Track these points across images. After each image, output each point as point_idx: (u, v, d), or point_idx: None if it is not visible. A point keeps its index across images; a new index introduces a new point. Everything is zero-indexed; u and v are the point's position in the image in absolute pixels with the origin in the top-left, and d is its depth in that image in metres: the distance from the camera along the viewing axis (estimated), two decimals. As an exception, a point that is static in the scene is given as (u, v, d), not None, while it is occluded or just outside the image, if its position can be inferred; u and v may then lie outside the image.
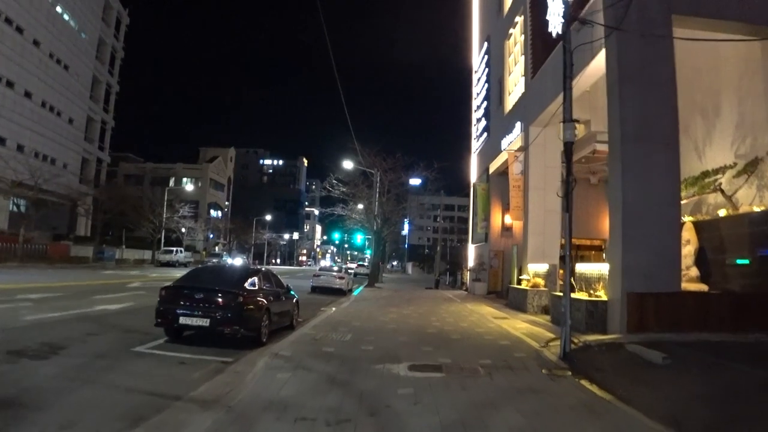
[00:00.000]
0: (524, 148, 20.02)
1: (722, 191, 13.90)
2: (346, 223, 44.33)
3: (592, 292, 12.00)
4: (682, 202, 13.02)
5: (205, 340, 9.44)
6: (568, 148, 9.55)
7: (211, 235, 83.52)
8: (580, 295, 12.51)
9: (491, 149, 26.76)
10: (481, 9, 33.24)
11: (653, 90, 11.67)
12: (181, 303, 9.38)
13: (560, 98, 16.92)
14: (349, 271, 31.33)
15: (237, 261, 71.91)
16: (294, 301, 12.98)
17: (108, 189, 54.77)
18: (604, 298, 11.50)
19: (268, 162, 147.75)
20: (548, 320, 13.96)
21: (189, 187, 72.00)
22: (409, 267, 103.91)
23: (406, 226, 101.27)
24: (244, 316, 9.40)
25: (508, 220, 26.41)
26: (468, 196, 48.78)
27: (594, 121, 19.40)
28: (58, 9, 48.57)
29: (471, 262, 31.93)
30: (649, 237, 10.94)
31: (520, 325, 12.90)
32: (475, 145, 32.41)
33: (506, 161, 23.29)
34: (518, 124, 20.83)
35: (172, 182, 75.73)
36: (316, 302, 20.22)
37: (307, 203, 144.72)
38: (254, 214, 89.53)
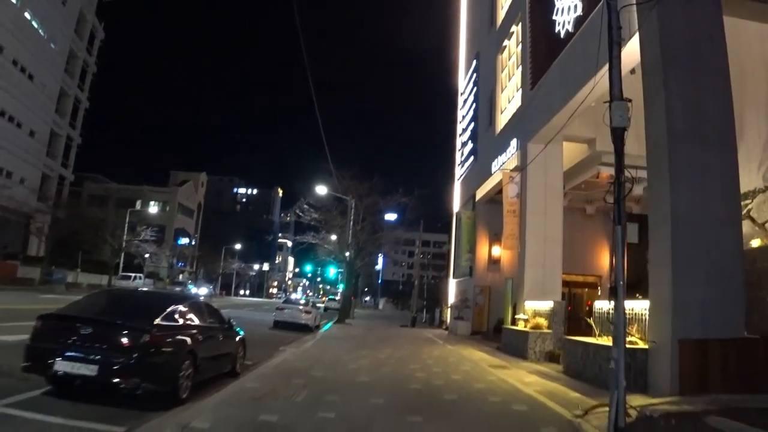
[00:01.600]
0: (521, 168, 17.54)
1: (752, 219, 11.76)
2: (318, 255, 41.43)
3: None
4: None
5: (100, 394, 6.49)
6: (618, 135, 6.99)
7: (181, 264, 79.53)
8: (603, 341, 9.81)
9: (478, 174, 24.32)
10: (469, 25, 31.30)
11: (704, 76, 9.24)
12: (62, 340, 6.48)
13: (572, 105, 14.49)
14: (318, 305, 28.22)
15: (202, 290, 68.30)
16: (238, 339, 10.05)
17: (68, 207, 51.04)
18: (642, 345, 8.81)
19: (242, 190, 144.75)
20: (560, 371, 11.17)
21: (153, 209, 68.24)
22: (382, 303, 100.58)
23: (381, 261, 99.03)
24: (150, 363, 6.51)
25: (496, 251, 23.82)
26: (446, 229, 46.29)
27: (599, 140, 17.14)
28: (27, 15, 45.46)
29: (452, 298, 29.15)
30: (708, 264, 8.35)
31: (528, 379, 10.08)
32: (459, 171, 30.03)
33: (496, 186, 20.81)
34: (514, 142, 18.40)
35: (138, 205, 71.91)
36: (276, 340, 17.23)
37: (280, 234, 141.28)
38: (226, 243, 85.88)
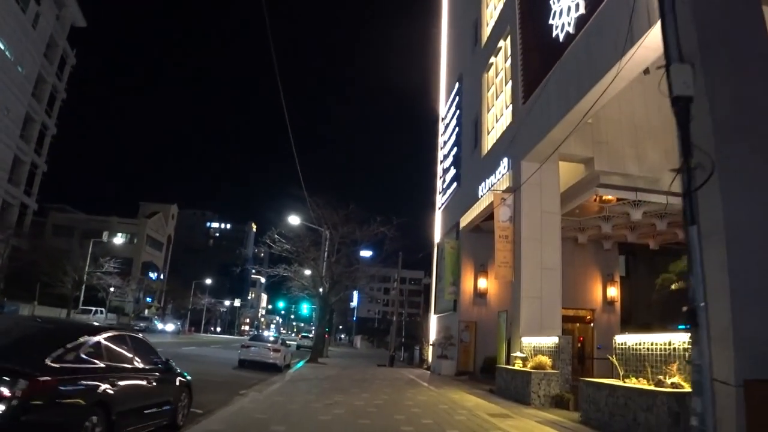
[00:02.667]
0: (514, 189, 15.90)
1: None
2: (291, 290, 39.07)
3: (662, 378, 7.48)
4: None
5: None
6: (683, 108, 5.27)
7: (149, 299, 76.05)
8: (634, 383, 8.00)
9: (462, 200, 22.68)
10: (450, 48, 30.17)
11: (747, 63, 7.67)
12: None
13: (572, 116, 13.01)
14: (288, 342, 25.92)
15: (169, 327, 65.04)
16: (179, 384, 7.99)
17: (29, 237, 48.18)
18: (687, 387, 7.02)
19: (215, 225, 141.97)
20: (575, 420, 9.24)
21: (118, 240, 65.24)
22: (358, 340, 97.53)
23: (356, 297, 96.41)
24: (31, 422, 4.50)
25: (483, 284, 22.03)
26: (423, 264, 44.32)
27: (597, 159, 15.69)
28: (-6, 36, 43.39)
29: (433, 335, 27.11)
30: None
31: (542, 433, 8.15)
32: (441, 200, 28.41)
33: (483, 212, 19.15)
34: (505, 161, 16.83)
35: (105, 236, 68.75)
36: (238, 381, 15.09)
37: (254, 271, 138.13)
38: (197, 278, 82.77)
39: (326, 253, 28.68)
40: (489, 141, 20.41)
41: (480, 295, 22.00)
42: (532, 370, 11.58)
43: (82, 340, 5.68)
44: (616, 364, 8.81)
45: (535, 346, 12.85)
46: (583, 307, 22.06)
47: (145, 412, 6.74)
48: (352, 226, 27.63)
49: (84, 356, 5.53)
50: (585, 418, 8.95)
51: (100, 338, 6.11)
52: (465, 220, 21.37)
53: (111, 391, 5.72)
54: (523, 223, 15.09)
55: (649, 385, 7.65)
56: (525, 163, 15.55)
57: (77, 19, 57.26)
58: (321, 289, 28.93)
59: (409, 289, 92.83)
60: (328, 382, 16.12)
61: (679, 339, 7.56)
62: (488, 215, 19.34)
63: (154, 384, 7.02)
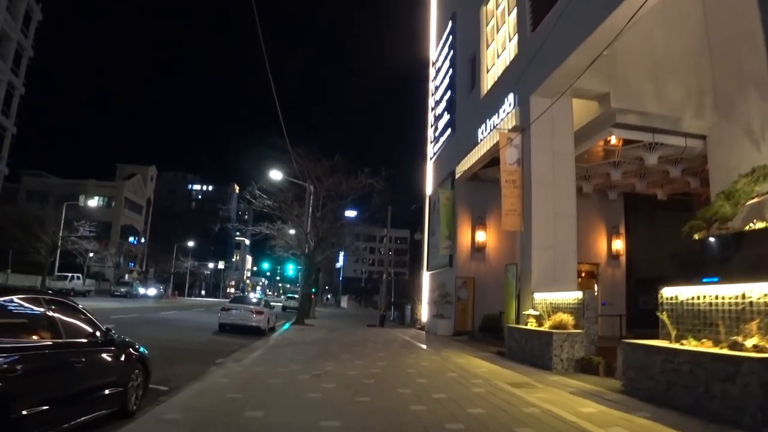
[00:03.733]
0: (521, 128, 14.14)
1: None
2: (275, 251, 37.38)
3: (738, 339, 5.92)
4: (749, 202, 7.65)
5: None
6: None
7: (131, 264, 74.02)
8: (700, 346, 6.47)
9: (458, 148, 20.89)
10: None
11: None
12: None
13: (596, 37, 11.20)
14: (272, 304, 24.31)
15: (150, 291, 63.36)
16: (130, 361, 6.32)
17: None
18: (777, 353, 5.47)
19: (197, 187, 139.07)
20: (617, 389, 7.70)
21: (94, 203, 62.67)
22: (345, 301, 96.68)
23: (342, 257, 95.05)
24: None
25: (481, 237, 20.46)
26: (413, 220, 42.58)
27: (614, 95, 13.97)
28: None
29: (426, 293, 25.67)
30: None
31: (586, 409, 6.57)
32: (432, 150, 26.58)
33: (483, 157, 17.41)
34: (510, 98, 15.00)
35: (82, 201, 66.21)
36: (216, 349, 13.55)
37: (238, 233, 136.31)
38: (180, 242, 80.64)
39: (311, 209, 26.86)
40: (489, 79, 18.53)
41: (478, 249, 20.44)
42: (553, 331, 10.01)
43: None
44: (667, 323, 7.24)
45: (552, 302, 11.29)
46: (586, 261, 20.62)
47: (79, 400, 5.08)
48: (338, 177, 25.68)
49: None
50: (630, 388, 7.41)
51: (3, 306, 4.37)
52: (461, 168, 19.61)
53: (17, 379, 4.04)
54: (534, 165, 13.40)
55: (720, 348, 6.09)
56: (534, 99, 13.77)
57: (40, -29, 53.37)
58: (306, 248, 27.22)
59: (395, 248, 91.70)
60: (316, 346, 14.57)
61: (760, 291, 5.97)
62: (489, 161, 17.64)
63: (89, 362, 5.32)
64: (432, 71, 27.69)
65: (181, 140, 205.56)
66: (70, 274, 45.63)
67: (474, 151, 17.98)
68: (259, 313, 19.29)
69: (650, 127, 14.50)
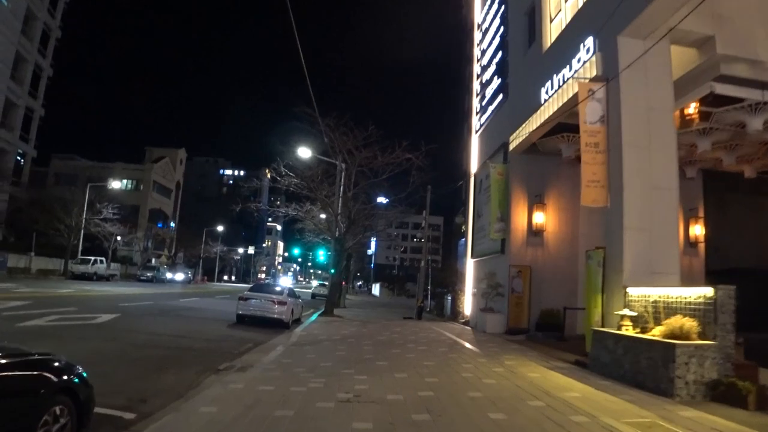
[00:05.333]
0: (606, 79, 11.18)
1: None
2: (304, 234, 34.95)
3: None
4: None
5: None
6: None
7: (160, 248, 72.87)
8: None
9: (512, 115, 17.94)
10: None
11: None
12: None
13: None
14: (297, 292, 21.82)
15: (178, 276, 61.96)
16: (44, 393, 3.74)
17: (28, 185, 44.86)
18: None
19: (228, 172, 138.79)
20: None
21: (118, 185, 61.23)
22: (376, 288, 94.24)
23: (373, 244, 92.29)
24: None
25: (539, 219, 17.55)
26: (451, 203, 39.53)
27: (720, 40, 10.96)
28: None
29: (470, 282, 22.87)
30: None
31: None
32: (478, 122, 23.59)
33: (547, 122, 14.41)
34: (589, 41, 12.00)
35: (109, 183, 65.25)
36: (225, 348, 11.17)
37: (270, 219, 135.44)
38: (210, 227, 79.40)
39: (342, 188, 24.18)
40: (554, 30, 15.52)
41: (535, 233, 17.46)
42: (675, 342, 7.13)
43: None
44: None
45: (661, 300, 8.37)
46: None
47: None
48: (372, 150, 22.76)
49: None
50: None
51: None
52: (518, 138, 16.67)
53: None
54: (624, 123, 10.42)
55: None
56: (623, 40, 10.80)
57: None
58: (336, 231, 24.60)
59: (430, 236, 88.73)
60: (345, 347, 11.95)
61: None
62: (553, 127, 14.71)
63: None
64: (478, 35, 24.65)
65: (214, 126, 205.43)
66: (93, 258, 44.08)
67: (534, 115, 15.01)
68: (281, 303, 16.81)
69: (760, 81, 11.52)
